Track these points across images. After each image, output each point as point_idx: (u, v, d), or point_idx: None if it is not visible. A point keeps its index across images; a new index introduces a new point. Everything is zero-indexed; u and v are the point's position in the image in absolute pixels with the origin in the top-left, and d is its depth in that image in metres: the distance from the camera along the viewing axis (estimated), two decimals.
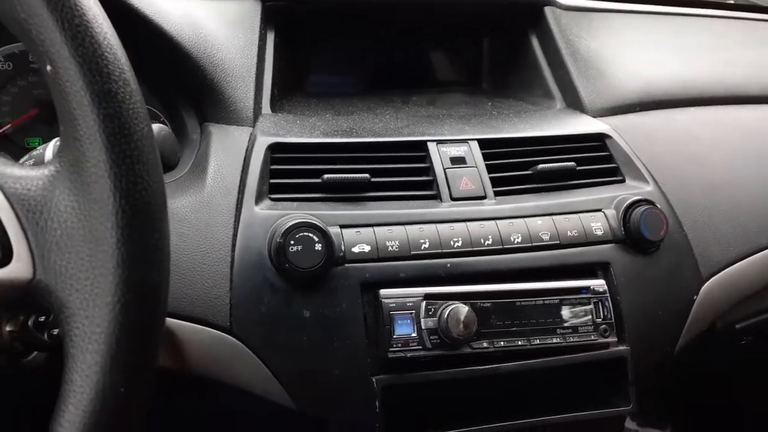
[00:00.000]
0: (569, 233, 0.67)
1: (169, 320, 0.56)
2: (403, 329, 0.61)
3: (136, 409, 0.37)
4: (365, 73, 0.97)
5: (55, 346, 0.50)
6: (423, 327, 0.61)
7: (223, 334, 0.58)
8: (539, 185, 0.71)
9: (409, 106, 0.87)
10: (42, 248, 0.36)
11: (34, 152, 0.54)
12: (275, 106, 0.77)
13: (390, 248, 0.62)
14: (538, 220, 0.67)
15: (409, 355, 0.60)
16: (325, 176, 0.65)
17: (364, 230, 0.62)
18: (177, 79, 0.73)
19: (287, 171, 0.66)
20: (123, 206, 0.36)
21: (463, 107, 0.86)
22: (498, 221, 0.66)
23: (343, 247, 0.61)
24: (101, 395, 0.35)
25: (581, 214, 0.69)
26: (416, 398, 0.64)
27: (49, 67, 0.36)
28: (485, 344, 0.62)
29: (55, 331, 0.49)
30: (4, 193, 0.36)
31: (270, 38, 0.79)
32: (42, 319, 0.48)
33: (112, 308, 0.35)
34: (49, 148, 0.52)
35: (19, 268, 0.36)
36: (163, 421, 0.68)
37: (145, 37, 0.69)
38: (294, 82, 0.89)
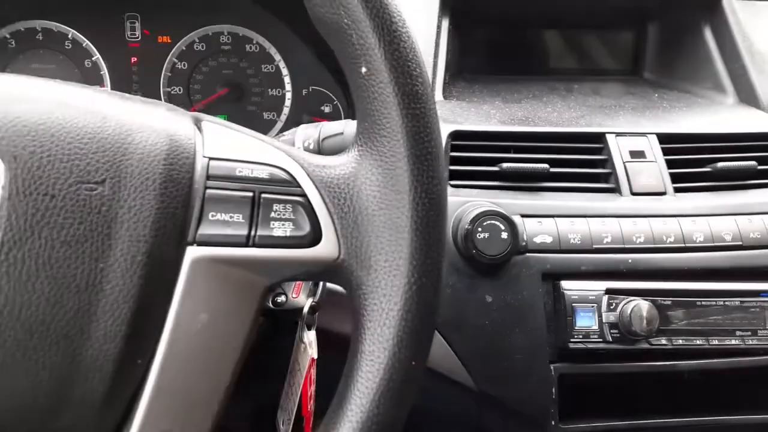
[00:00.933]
0: (752, 235, 0.66)
1: None
2: (584, 321, 0.62)
3: (419, 382, 0.40)
4: (522, 57, 0.98)
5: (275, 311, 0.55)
6: (604, 321, 0.62)
7: None
8: (718, 183, 0.70)
9: (574, 94, 0.86)
10: (345, 232, 0.40)
11: (281, 137, 0.58)
12: (444, 93, 0.79)
13: (572, 240, 0.63)
14: (720, 220, 0.66)
15: (589, 346, 0.62)
16: (504, 165, 0.67)
17: (546, 221, 0.64)
18: None
19: (466, 158, 0.68)
20: (422, 198, 0.39)
21: (630, 98, 0.85)
22: (680, 219, 0.66)
23: (525, 237, 0.63)
24: (396, 366, 0.39)
25: (764, 216, 0.67)
26: (587, 387, 0.65)
27: (363, 69, 0.39)
28: (664, 341, 0.63)
29: (280, 299, 0.54)
30: (313, 181, 0.40)
31: (444, 25, 0.81)
32: None
33: (408, 289, 0.39)
34: (298, 135, 0.57)
35: (327, 248, 0.40)
36: None
37: None
38: (456, 68, 0.90)
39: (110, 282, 0.36)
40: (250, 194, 0.38)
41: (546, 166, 0.67)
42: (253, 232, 0.38)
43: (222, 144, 0.39)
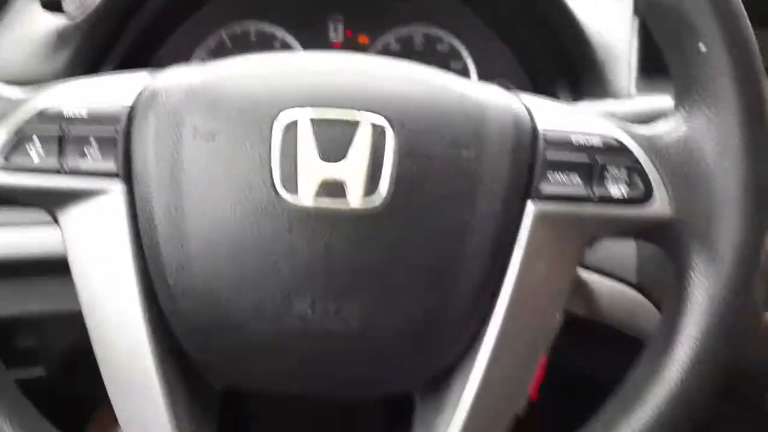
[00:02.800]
0: None
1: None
2: None
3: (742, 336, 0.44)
4: None
5: None
6: None
7: (629, 288, 0.63)
8: None
9: None
10: (677, 192, 0.43)
11: None
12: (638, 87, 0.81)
13: None
14: None
15: None
16: None
17: None
18: (560, 54, 0.80)
19: None
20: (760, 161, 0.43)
21: None
22: None
23: None
24: (734, 317, 0.43)
25: None
26: None
27: (703, 48, 0.43)
28: None
29: None
30: (642, 148, 0.44)
31: (636, 22, 0.83)
32: None
33: (750, 231, 0.42)
34: None
35: (660, 207, 0.43)
36: None
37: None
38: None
39: (474, 231, 0.41)
40: (586, 159, 0.43)
41: None
42: (591, 192, 0.43)
43: (553, 117, 0.45)
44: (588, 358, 0.70)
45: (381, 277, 0.41)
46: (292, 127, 0.40)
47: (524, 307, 0.42)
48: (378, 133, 0.40)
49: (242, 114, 0.41)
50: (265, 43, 0.89)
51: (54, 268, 0.59)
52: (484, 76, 0.89)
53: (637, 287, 0.63)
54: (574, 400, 0.67)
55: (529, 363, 0.44)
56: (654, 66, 0.88)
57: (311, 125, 0.40)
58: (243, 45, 0.89)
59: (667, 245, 0.45)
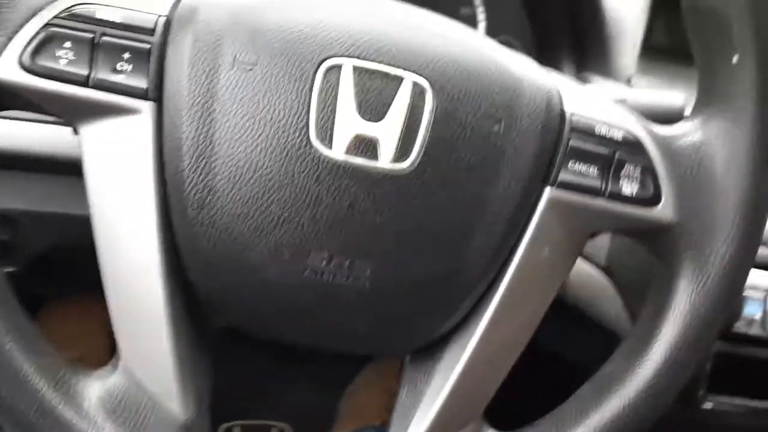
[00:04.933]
0: None
1: None
2: (751, 309, 0.66)
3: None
4: None
5: None
6: None
7: (596, 270, 0.66)
8: None
9: None
10: (684, 197, 0.44)
11: None
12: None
13: None
14: None
15: (750, 333, 0.66)
16: None
17: None
18: (572, 22, 0.79)
19: None
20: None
21: None
22: None
23: None
24: (711, 327, 0.45)
25: None
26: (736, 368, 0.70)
27: (735, 58, 0.43)
28: None
29: None
30: (659, 148, 0.44)
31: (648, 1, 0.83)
32: None
33: (742, 247, 0.44)
34: None
35: (664, 211, 0.44)
36: None
37: None
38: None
39: (492, 205, 0.42)
40: (606, 152, 0.43)
41: None
42: (605, 186, 0.43)
43: (581, 101, 0.45)
44: (552, 335, 0.74)
45: (396, 238, 0.41)
46: (334, 72, 0.39)
47: (523, 289, 0.44)
48: (418, 93, 0.40)
49: (286, 48, 0.40)
50: None
51: (41, 166, 0.59)
52: (491, 27, 0.88)
53: (605, 270, 0.66)
54: (538, 376, 0.71)
55: (518, 340, 0.45)
56: (651, 45, 0.89)
57: (354, 73, 0.39)
58: None
59: (660, 248, 0.47)
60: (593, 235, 0.47)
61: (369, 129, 0.40)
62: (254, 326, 0.46)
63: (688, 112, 0.50)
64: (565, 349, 0.77)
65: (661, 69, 0.86)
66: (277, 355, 1.28)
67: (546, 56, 0.83)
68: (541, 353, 0.75)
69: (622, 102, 0.54)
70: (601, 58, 0.78)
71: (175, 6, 0.41)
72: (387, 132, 0.40)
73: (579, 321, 0.68)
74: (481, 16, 0.87)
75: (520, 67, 0.44)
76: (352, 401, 1.23)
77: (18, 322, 0.41)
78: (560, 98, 0.44)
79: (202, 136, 0.40)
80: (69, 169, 0.60)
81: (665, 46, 0.95)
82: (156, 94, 0.40)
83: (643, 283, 0.66)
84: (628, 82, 0.77)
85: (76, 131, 0.42)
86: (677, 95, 0.57)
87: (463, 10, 0.87)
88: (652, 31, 0.84)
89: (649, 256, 0.65)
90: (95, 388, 0.42)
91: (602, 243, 0.66)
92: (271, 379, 1.08)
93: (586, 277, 0.66)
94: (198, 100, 0.39)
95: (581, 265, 0.66)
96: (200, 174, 0.40)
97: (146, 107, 0.40)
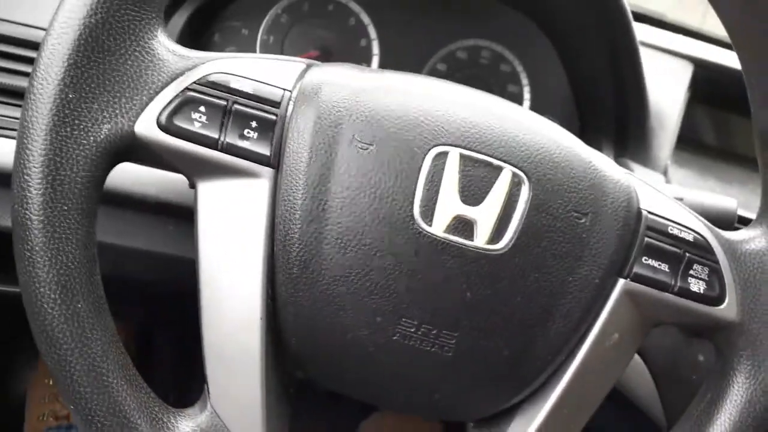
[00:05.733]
0: None
1: None
2: None
3: None
4: None
5: None
6: None
7: None
8: None
9: None
10: (747, 299, 0.48)
11: None
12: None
13: None
14: None
15: None
16: None
17: None
18: (617, 109, 0.84)
19: None
20: None
21: None
22: None
23: None
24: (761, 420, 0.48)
25: None
26: None
27: None
28: None
29: None
30: (725, 252, 0.48)
31: (685, 96, 0.88)
32: None
33: None
34: None
35: (728, 310, 0.48)
36: None
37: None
38: None
39: (571, 293, 0.45)
40: (678, 251, 0.47)
41: None
42: (674, 282, 0.47)
43: (655, 201, 0.49)
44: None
45: (484, 314, 0.44)
46: (442, 158, 0.43)
47: (590, 370, 0.47)
48: (515, 183, 0.44)
49: (401, 133, 0.43)
50: (341, 13, 0.89)
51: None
52: (536, 106, 0.92)
53: (639, 351, 0.69)
54: None
55: (580, 418, 0.49)
56: (686, 138, 0.94)
57: (460, 161, 0.43)
58: (319, 10, 0.89)
59: (721, 344, 0.50)
60: (657, 326, 0.50)
61: (468, 211, 0.43)
62: (334, 383, 0.49)
63: (741, 213, 0.54)
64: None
65: (695, 162, 0.92)
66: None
67: (587, 138, 0.87)
68: None
69: (680, 200, 0.58)
70: (640, 146, 0.82)
71: (299, 80, 0.45)
72: (484, 215, 0.43)
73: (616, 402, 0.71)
74: (527, 95, 0.92)
75: (603, 164, 0.48)
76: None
77: (122, 356, 0.43)
78: (637, 197, 0.48)
79: (315, 204, 0.43)
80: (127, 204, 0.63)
81: (699, 141, 1.00)
82: (276, 161, 0.44)
83: (676, 366, 0.70)
84: (665, 172, 0.81)
85: (192, 185, 0.45)
86: (731, 200, 0.62)
87: (510, 87, 0.92)
88: (688, 125, 0.90)
89: (680, 339, 0.69)
90: (187, 426, 0.44)
91: None
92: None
93: None
94: (316, 170, 0.43)
95: None
96: (311, 237, 0.43)
97: (266, 173, 0.44)
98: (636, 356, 0.70)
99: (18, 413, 1.19)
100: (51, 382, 1.18)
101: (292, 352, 0.46)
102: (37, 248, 0.40)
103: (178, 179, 0.47)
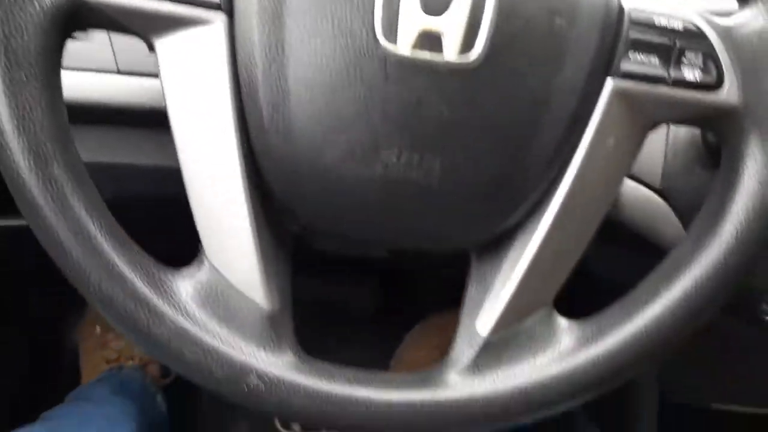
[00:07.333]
0: None
1: None
2: None
3: None
4: None
5: None
6: None
7: (653, 193, 0.66)
8: None
9: None
10: (747, 81, 0.45)
11: None
12: None
13: None
14: None
15: None
16: None
17: None
18: None
19: None
20: None
21: None
22: None
23: None
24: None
25: None
26: None
27: None
28: None
29: None
30: (719, 36, 0.45)
31: None
32: None
33: None
34: None
35: (729, 94, 0.45)
36: None
37: None
38: None
39: (556, 97, 0.43)
40: (666, 41, 0.44)
41: None
42: (667, 74, 0.44)
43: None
44: (607, 260, 0.74)
45: (465, 133, 0.42)
46: None
47: (589, 179, 0.45)
48: None
49: None
50: None
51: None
52: None
53: (660, 193, 0.66)
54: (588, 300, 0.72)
55: (586, 230, 0.47)
56: None
57: None
58: None
59: (726, 132, 0.47)
60: (655, 126, 0.47)
61: (433, 23, 0.41)
62: (326, 226, 0.48)
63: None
64: (625, 277, 0.78)
65: None
66: (330, 317, 1.30)
67: None
68: (597, 281, 0.76)
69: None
70: None
71: None
72: (451, 25, 0.40)
73: (637, 246, 0.68)
74: None
75: None
76: (402, 358, 1.25)
77: (112, 225, 0.43)
78: None
79: (273, 42, 0.41)
80: (120, 119, 0.62)
81: None
82: (229, 5, 0.42)
83: (701, 205, 0.66)
84: None
85: (152, 48, 0.44)
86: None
87: None
88: None
89: (704, 176, 0.66)
90: (185, 283, 0.44)
91: (656, 165, 0.66)
92: (323, 340, 1.10)
93: (643, 199, 0.66)
94: (269, 8, 0.41)
95: (636, 188, 0.66)
96: (273, 80, 0.42)
97: (220, 18, 0.42)
98: (659, 200, 0.67)
99: (73, 364, 1.24)
100: (99, 330, 1.22)
101: (278, 200, 0.46)
102: (3, 119, 0.40)
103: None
